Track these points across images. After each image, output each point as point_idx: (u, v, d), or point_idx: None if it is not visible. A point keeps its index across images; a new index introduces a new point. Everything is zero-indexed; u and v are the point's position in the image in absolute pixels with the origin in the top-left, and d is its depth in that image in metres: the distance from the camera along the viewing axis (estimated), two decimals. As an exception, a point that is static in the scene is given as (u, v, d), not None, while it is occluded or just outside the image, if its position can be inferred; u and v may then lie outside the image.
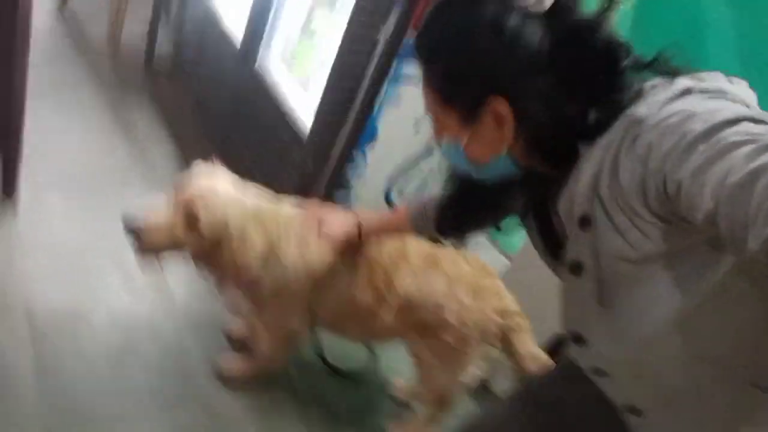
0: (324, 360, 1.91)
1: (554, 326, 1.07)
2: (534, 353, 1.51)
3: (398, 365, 1.93)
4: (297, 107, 2.09)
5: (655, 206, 0.68)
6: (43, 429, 1.42)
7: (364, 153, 1.95)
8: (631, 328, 0.78)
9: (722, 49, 2.03)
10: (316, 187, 1.96)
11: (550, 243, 0.90)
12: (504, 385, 1.89)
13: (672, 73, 0.75)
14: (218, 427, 1.61)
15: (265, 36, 2.32)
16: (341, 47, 1.79)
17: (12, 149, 1.85)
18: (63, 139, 2.37)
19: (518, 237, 2.01)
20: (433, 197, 1.20)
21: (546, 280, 0.96)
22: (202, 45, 2.78)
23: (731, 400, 0.80)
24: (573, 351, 0.90)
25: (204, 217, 1.34)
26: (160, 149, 2.59)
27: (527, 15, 0.76)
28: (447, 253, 1.56)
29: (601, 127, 0.74)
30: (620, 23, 2.01)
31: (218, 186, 1.40)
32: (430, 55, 0.83)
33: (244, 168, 1.51)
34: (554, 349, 1.56)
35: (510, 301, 1.55)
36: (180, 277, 1.99)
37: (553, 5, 0.76)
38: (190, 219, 1.34)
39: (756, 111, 0.66)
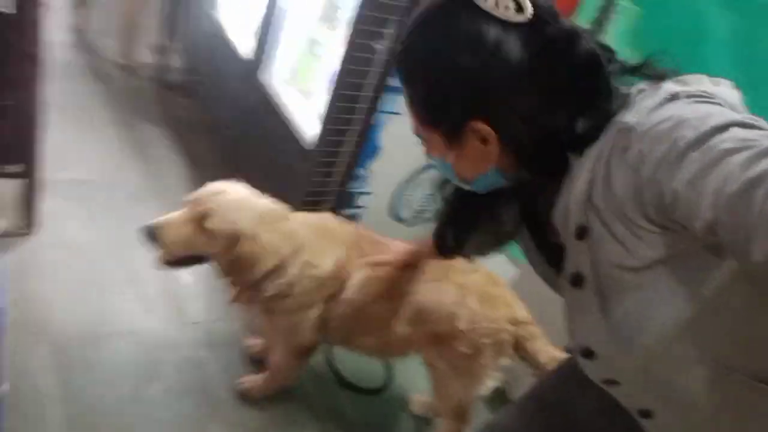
0: (340, 376, 1.93)
1: (564, 333, 1.09)
2: (554, 356, 1.52)
3: (415, 381, 1.96)
4: (301, 121, 2.13)
5: (651, 214, 0.68)
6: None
7: (367, 168, 1.97)
8: (637, 336, 0.78)
9: (722, 56, 2.02)
10: (323, 201, 1.98)
11: (549, 258, 0.91)
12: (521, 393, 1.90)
13: (657, 77, 0.75)
14: (239, 445, 1.65)
15: (269, 50, 2.36)
16: (343, 61, 1.81)
17: (32, 175, 1.91)
18: (76, 157, 2.43)
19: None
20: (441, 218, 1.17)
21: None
22: (211, 64, 2.83)
23: (740, 396, 0.80)
24: (583, 364, 0.91)
25: (215, 216, 1.38)
26: (173, 165, 2.66)
27: (506, 27, 0.73)
28: (456, 262, 1.57)
29: (591, 136, 0.73)
30: (624, 34, 2.02)
31: (232, 191, 1.45)
32: (410, 78, 0.82)
33: (255, 183, 1.54)
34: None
35: (520, 310, 1.58)
36: (199, 298, 2.05)
37: (533, 16, 0.74)
38: (203, 218, 1.39)
39: (744, 115, 0.66)
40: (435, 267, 1.55)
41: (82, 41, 3.24)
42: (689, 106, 0.67)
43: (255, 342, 1.89)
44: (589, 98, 0.74)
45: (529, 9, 0.72)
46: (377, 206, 2.10)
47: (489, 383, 1.60)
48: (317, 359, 1.96)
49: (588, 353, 0.86)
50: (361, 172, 2.00)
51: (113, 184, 2.40)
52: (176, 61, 3.17)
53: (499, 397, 1.90)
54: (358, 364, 1.98)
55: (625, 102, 0.73)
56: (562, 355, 1.50)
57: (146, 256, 2.04)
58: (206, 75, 2.91)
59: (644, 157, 0.66)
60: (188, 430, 1.64)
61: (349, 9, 1.90)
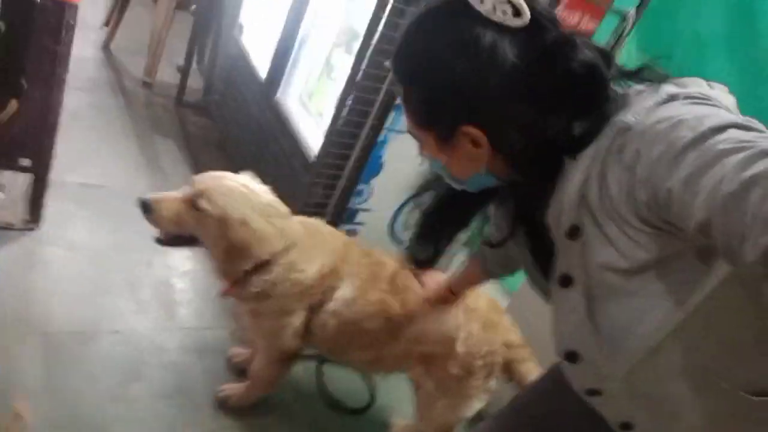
0: (326, 392, 1.90)
1: (551, 358, 1.06)
2: None
3: (399, 402, 1.92)
4: (309, 137, 2.16)
5: (644, 214, 0.67)
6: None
7: (370, 185, 1.99)
8: (622, 340, 0.77)
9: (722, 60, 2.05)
10: (324, 213, 1.99)
11: (542, 260, 0.89)
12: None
13: (656, 80, 0.74)
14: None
15: (286, 73, 2.43)
16: (350, 78, 1.86)
17: (42, 170, 1.95)
18: (90, 162, 2.49)
19: (519, 277, 2.02)
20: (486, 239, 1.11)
21: (544, 313, 0.94)
22: (230, 82, 2.92)
23: (723, 407, 0.78)
24: (567, 371, 0.89)
25: (207, 197, 1.39)
26: (182, 177, 2.69)
27: (502, 31, 0.72)
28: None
29: (588, 138, 0.73)
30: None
31: (231, 178, 1.46)
32: (405, 79, 0.81)
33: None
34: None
35: (516, 336, 1.57)
36: (191, 304, 2.05)
37: (531, 22, 0.72)
38: (196, 197, 1.40)
39: (741, 117, 0.66)
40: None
41: (110, 58, 3.38)
42: (687, 107, 0.68)
43: (240, 351, 1.87)
44: (586, 103, 0.74)
45: (526, 14, 0.72)
46: (377, 223, 2.10)
47: (476, 405, 1.56)
48: (301, 374, 1.93)
49: (572, 356, 0.84)
50: (363, 187, 2.02)
51: (122, 191, 2.44)
52: (196, 81, 3.28)
53: (479, 418, 1.85)
54: (343, 383, 1.95)
55: (623, 103, 0.73)
56: None
57: (144, 262, 2.11)
58: (224, 94, 3.00)
59: (641, 156, 0.66)
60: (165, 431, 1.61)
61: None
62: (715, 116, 0.64)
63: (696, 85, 0.73)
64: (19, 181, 2.05)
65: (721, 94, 0.74)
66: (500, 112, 0.75)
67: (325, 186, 2.01)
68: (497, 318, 1.58)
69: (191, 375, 1.79)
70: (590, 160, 0.72)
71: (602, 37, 2.13)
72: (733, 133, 0.60)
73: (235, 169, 1.53)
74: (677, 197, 0.61)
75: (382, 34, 1.81)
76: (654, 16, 2.25)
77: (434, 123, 0.80)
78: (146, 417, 1.62)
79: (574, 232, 0.75)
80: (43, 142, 1.89)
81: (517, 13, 0.72)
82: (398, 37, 0.81)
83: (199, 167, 2.79)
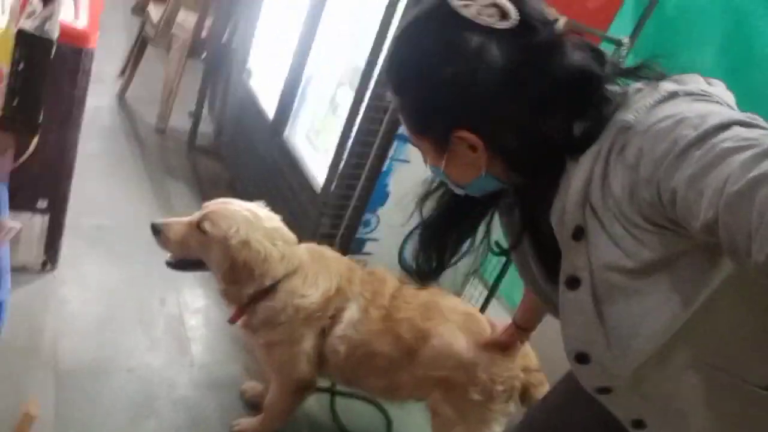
0: (339, 425, 1.87)
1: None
2: None
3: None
4: (317, 173, 2.20)
5: (648, 213, 0.67)
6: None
7: (377, 214, 2.01)
8: (630, 340, 0.76)
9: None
10: (332, 245, 2.00)
11: (549, 268, 0.88)
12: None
13: (654, 78, 0.74)
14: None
15: (293, 111, 2.51)
16: (352, 109, 1.91)
17: (58, 212, 2.00)
18: (105, 204, 2.55)
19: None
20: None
21: (548, 332, 0.94)
22: (240, 124, 3.01)
23: (733, 403, 0.77)
24: (576, 371, 0.87)
25: (211, 220, 1.43)
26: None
27: (489, 34, 0.72)
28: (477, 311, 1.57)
29: (588, 138, 0.72)
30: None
31: (238, 204, 1.50)
32: (396, 89, 0.82)
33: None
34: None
35: (533, 360, 1.56)
36: (203, 340, 2.06)
37: (518, 23, 0.72)
38: (200, 220, 1.45)
39: (744, 113, 0.65)
40: (463, 314, 1.56)
41: (125, 107, 3.51)
42: (689, 105, 0.67)
43: (253, 385, 1.86)
44: (581, 105, 0.74)
45: (513, 16, 0.71)
46: (386, 253, 2.11)
47: (495, 430, 1.52)
48: (314, 406, 1.90)
49: (582, 358, 0.83)
50: (370, 217, 2.04)
51: (135, 232, 2.48)
52: (208, 126, 3.38)
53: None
54: (357, 414, 1.92)
55: (622, 101, 0.73)
56: None
57: (157, 299, 2.13)
58: (234, 137, 3.09)
59: (643, 155, 0.65)
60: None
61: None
62: (718, 114, 0.63)
63: (695, 82, 0.73)
64: (35, 223, 2.10)
65: (720, 90, 0.74)
66: (492, 114, 0.75)
67: (332, 217, 2.04)
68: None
69: (204, 410, 1.78)
70: (592, 160, 0.72)
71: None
72: (736, 131, 0.60)
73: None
74: (682, 196, 0.61)
75: (383, 66, 1.88)
76: (649, 44, 2.30)
77: (428, 130, 0.81)
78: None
79: (579, 233, 0.75)
80: (60, 184, 1.95)
81: (503, 15, 0.72)
82: (390, 46, 0.82)
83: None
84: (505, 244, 0.99)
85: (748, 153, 0.56)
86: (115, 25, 4.33)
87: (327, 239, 2.05)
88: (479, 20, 0.72)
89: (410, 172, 1.99)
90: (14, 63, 1.29)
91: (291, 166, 2.38)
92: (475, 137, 0.76)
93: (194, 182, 3.04)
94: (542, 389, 1.52)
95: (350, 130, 1.97)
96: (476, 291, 2.45)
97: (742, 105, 0.75)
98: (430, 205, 1.00)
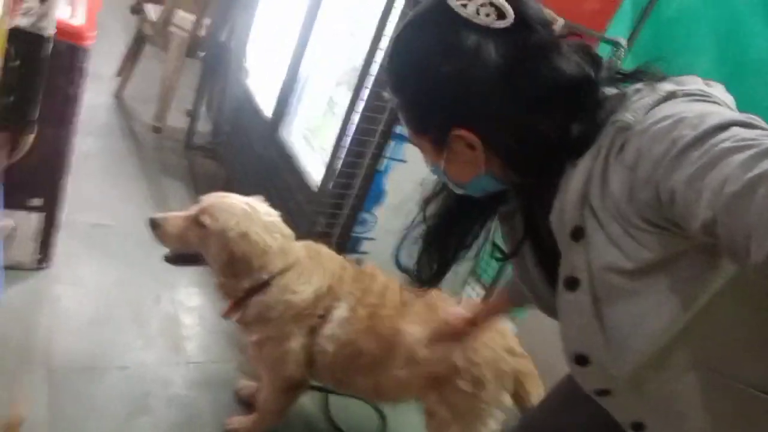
0: (333, 424, 1.86)
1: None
2: None
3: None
4: (314, 172, 2.20)
5: (647, 213, 0.67)
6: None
7: (373, 213, 2.01)
8: (630, 341, 0.76)
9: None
10: (329, 244, 2.00)
11: (549, 271, 0.88)
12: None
13: (653, 79, 0.74)
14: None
15: (290, 109, 2.50)
16: (349, 108, 1.91)
17: (53, 210, 2.00)
18: (100, 203, 2.55)
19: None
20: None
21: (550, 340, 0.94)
22: (237, 123, 3.01)
23: (732, 405, 0.77)
24: (576, 373, 0.87)
25: (209, 213, 1.43)
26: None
27: (487, 33, 0.72)
28: (443, 297, 1.55)
29: (586, 140, 0.72)
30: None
31: (236, 198, 1.50)
32: (395, 88, 0.83)
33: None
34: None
35: (514, 341, 1.55)
36: (197, 338, 2.05)
37: (520, 22, 0.73)
38: (198, 213, 1.45)
39: (743, 114, 0.65)
40: (426, 303, 1.54)
41: (122, 105, 3.50)
42: (687, 105, 0.67)
43: (247, 384, 1.85)
44: (576, 107, 0.74)
45: (510, 15, 0.72)
46: (382, 252, 2.11)
47: (492, 425, 1.52)
48: (309, 405, 1.90)
49: (581, 360, 0.83)
50: (366, 216, 2.04)
51: (131, 231, 2.48)
52: (205, 125, 3.38)
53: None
54: (352, 413, 1.92)
55: (621, 101, 0.73)
56: None
57: (152, 298, 2.12)
58: (231, 136, 3.08)
59: (642, 155, 0.65)
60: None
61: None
62: (717, 114, 0.63)
63: (694, 83, 0.73)
64: (30, 221, 2.09)
65: (719, 91, 0.74)
66: (488, 113, 0.75)
67: (328, 216, 2.04)
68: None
69: (198, 408, 1.78)
70: (591, 160, 0.72)
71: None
72: (735, 131, 0.60)
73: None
74: (681, 197, 0.61)
75: (380, 67, 1.87)
76: (646, 46, 2.31)
77: (427, 129, 0.82)
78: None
79: (578, 234, 0.74)
80: (55, 182, 1.94)
81: (501, 14, 0.72)
82: (389, 45, 0.82)
83: (206, 206, 2.84)
84: (505, 250, 0.98)
85: (747, 153, 0.56)
86: (114, 24, 4.32)
87: (323, 238, 2.05)
88: (477, 20, 0.72)
89: (407, 171, 1.99)
90: (8, 59, 1.29)
91: (288, 164, 2.38)
92: (473, 136, 0.76)
93: (191, 181, 3.03)
94: (535, 380, 1.52)
95: (347, 129, 1.97)
96: (473, 292, 2.46)
97: (739, 109, 0.75)
98: (432, 209, 1.00)
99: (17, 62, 1.28)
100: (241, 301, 1.49)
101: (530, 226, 0.90)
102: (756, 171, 0.54)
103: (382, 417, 1.95)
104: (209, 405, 1.80)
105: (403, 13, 1.77)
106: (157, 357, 1.90)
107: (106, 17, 2.43)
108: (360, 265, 1.66)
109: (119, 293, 2.11)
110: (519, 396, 1.52)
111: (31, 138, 1.55)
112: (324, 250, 1.63)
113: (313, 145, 2.42)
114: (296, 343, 1.51)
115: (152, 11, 3.40)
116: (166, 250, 1.56)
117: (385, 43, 1.84)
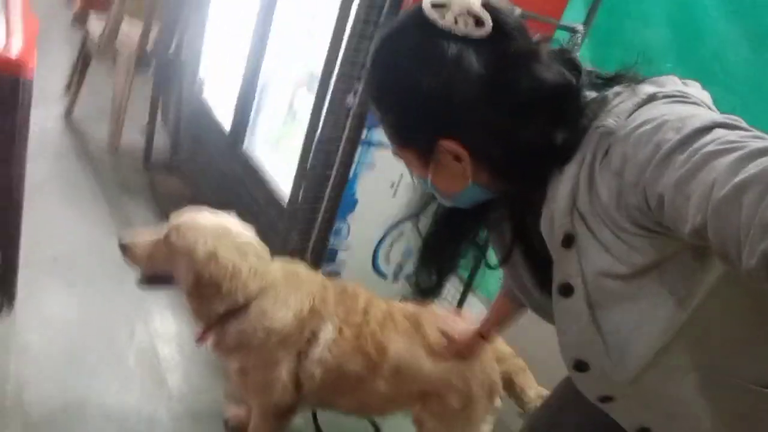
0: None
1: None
2: (540, 392, 1.49)
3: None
4: (282, 184, 2.15)
5: (637, 217, 0.67)
6: None
7: (346, 221, 1.98)
8: (628, 345, 0.76)
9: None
10: (304, 258, 1.96)
11: (539, 275, 0.88)
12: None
13: (631, 81, 0.74)
14: None
15: (250, 121, 2.43)
16: (312, 117, 1.86)
17: (11, 251, 1.89)
18: (60, 233, 2.44)
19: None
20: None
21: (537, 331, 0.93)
22: (196, 138, 2.92)
23: (736, 403, 0.77)
24: (577, 380, 0.87)
25: (177, 231, 1.38)
26: (158, 237, 2.65)
27: (466, 43, 0.72)
28: (428, 311, 1.54)
29: (569, 147, 0.73)
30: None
31: (208, 215, 1.44)
32: (377, 101, 0.82)
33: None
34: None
35: (502, 345, 1.55)
36: (179, 370, 1.98)
37: (494, 31, 0.73)
38: (167, 232, 1.40)
39: (724, 115, 0.65)
40: (410, 316, 1.53)
41: (73, 125, 3.35)
42: (668, 107, 0.68)
43: (237, 412, 1.80)
44: (560, 114, 0.74)
45: (488, 23, 0.72)
46: (359, 261, 2.08)
47: (484, 429, 1.52)
48: (301, 425, 1.86)
49: (581, 366, 0.83)
50: (340, 226, 2.00)
51: (95, 258, 2.38)
52: (162, 141, 3.27)
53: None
54: (343, 424, 1.88)
55: (602, 106, 0.73)
56: (547, 393, 1.46)
57: (126, 331, 2.04)
58: (191, 151, 2.99)
59: (628, 160, 0.65)
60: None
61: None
62: (698, 116, 0.64)
63: (672, 83, 0.73)
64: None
65: (696, 90, 0.74)
66: (473, 122, 0.75)
67: (301, 229, 1.99)
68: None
69: (186, 443, 1.73)
70: (577, 167, 0.72)
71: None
72: (718, 133, 0.60)
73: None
74: (669, 201, 0.61)
75: (341, 72, 1.83)
76: (603, 30, 2.31)
77: (412, 142, 0.81)
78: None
79: (569, 241, 0.74)
80: (9, 223, 1.83)
81: (479, 23, 0.72)
82: (369, 57, 0.81)
83: (173, 225, 2.75)
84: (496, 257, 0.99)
85: (732, 156, 0.56)
86: (55, 39, 4.13)
87: (298, 252, 2.01)
88: (455, 29, 0.72)
89: (376, 177, 1.96)
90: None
91: (254, 178, 2.32)
92: (459, 146, 0.76)
93: (153, 201, 2.92)
94: (524, 377, 1.52)
95: (313, 137, 1.92)
96: (452, 287, 2.45)
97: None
98: (423, 222, 0.99)
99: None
100: (215, 325, 1.43)
101: (519, 233, 0.90)
102: (742, 175, 0.54)
103: (376, 427, 1.93)
104: (197, 436, 1.75)
105: (383, 25, 1.72)
106: (139, 395, 1.83)
107: (45, 31, 2.30)
108: (340, 282, 1.62)
109: (91, 330, 2.02)
110: (514, 392, 1.52)
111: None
112: (302, 270, 1.58)
113: (278, 156, 2.36)
114: (283, 369, 1.46)
115: (96, 24, 3.24)
116: (135, 274, 1.49)
117: (344, 45, 1.80)
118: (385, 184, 1.97)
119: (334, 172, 1.92)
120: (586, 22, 2.20)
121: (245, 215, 2.37)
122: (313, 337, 1.46)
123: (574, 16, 2.26)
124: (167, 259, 1.40)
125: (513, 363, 1.53)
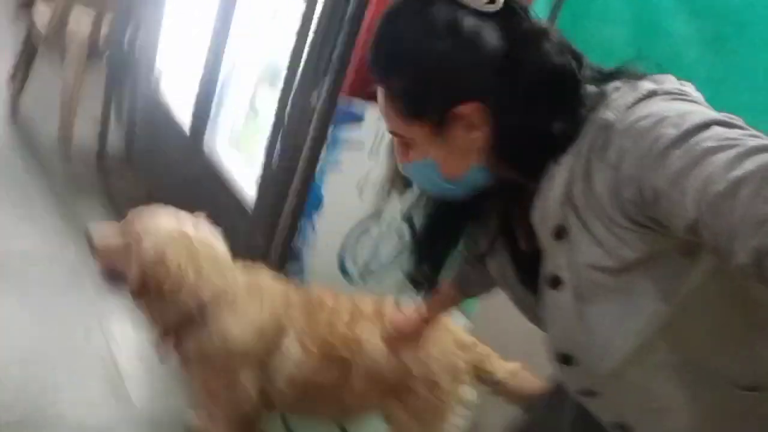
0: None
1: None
2: (511, 369, 1.50)
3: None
4: (243, 182, 2.09)
5: (631, 212, 0.67)
6: None
7: (312, 221, 1.93)
8: (613, 340, 0.76)
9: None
10: (268, 259, 1.91)
11: (524, 271, 0.88)
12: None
13: (631, 77, 0.75)
14: None
15: (211, 118, 2.35)
16: (277, 115, 1.80)
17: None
18: (9, 231, 2.32)
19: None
20: (464, 257, 1.10)
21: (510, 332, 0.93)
22: (153, 132, 2.80)
23: (715, 402, 0.79)
24: (561, 373, 0.88)
25: (131, 227, 1.36)
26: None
27: (481, 17, 0.74)
28: (388, 301, 1.52)
29: (567, 138, 0.73)
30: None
31: (167, 215, 1.39)
32: (387, 69, 0.80)
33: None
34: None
35: (462, 334, 1.55)
36: (136, 375, 1.91)
37: (507, 8, 0.75)
38: (121, 230, 1.39)
39: (722, 114, 0.66)
40: (374, 311, 1.52)
41: (20, 118, 3.18)
42: (668, 103, 0.69)
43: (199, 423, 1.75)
44: (560, 103, 0.75)
45: (499, 0, 0.73)
46: (325, 260, 2.04)
47: (456, 421, 1.51)
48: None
49: (566, 359, 0.84)
50: (305, 225, 1.96)
51: (49, 258, 2.28)
52: (116, 135, 3.13)
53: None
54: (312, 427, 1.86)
55: (601, 99, 0.74)
56: (519, 367, 1.51)
57: (81, 334, 1.95)
58: (148, 146, 2.88)
59: (625, 153, 0.66)
60: None
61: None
62: (698, 113, 0.65)
63: (671, 82, 0.75)
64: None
65: (692, 90, 0.76)
66: (490, 83, 0.75)
67: (265, 234, 1.94)
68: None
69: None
70: (573, 159, 0.72)
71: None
72: (716, 131, 0.61)
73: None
74: (664, 196, 0.62)
75: (306, 66, 1.78)
76: (566, 27, 2.34)
77: (424, 110, 0.79)
78: None
79: (560, 233, 0.75)
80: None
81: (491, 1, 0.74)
82: (375, 30, 0.80)
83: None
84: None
85: (730, 153, 0.57)
86: (-3, 22, 3.90)
87: (261, 251, 1.95)
88: (468, 2, 0.74)
89: (342, 176, 1.92)
90: None
91: (215, 178, 2.24)
92: (477, 109, 0.76)
93: (107, 197, 2.81)
94: (491, 361, 1.52)
95: (277, 135, 1.87)
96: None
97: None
98: (415, 219, 0.99)
99: None
100: (172, 334, 1.38)
101: (506, 227, 0.90)
102: (739, 171, 0.55)
103: (343, 429, 1.91)
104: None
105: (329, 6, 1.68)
106: (97, 405, 1.76)
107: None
108: (304, 290, 1.59)
109: (45, 331, 1.93)
110: (483, 378, 1.51)
111: None
112: (265, 281, 1.53)
113: (240, 154, 2.29)
114: (247, 383, 1.43)
115: (43, 12, 3.07)
116: (91, 276, 1.44)
117: (309, 42, 1.75)
118: (352, 184, 1.94)
119: (298, 171, 1.87)
120: (551, 19, 2.22)
121: (205, 213, 2.30)
122: (277, 350, 1.42)
123: (539, 10, 2.27)
124: (121, 256, 1.36)
125: (476, 351, 1.53)
